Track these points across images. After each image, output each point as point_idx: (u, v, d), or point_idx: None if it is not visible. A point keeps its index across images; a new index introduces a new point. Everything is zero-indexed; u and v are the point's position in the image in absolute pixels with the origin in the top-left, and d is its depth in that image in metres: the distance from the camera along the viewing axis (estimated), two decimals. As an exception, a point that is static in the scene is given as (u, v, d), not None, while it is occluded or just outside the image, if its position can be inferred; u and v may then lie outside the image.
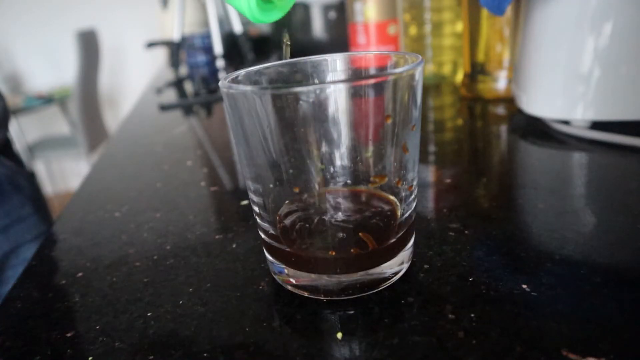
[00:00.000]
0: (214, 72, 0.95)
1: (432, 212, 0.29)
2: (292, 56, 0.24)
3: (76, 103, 1.95)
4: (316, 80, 0.25)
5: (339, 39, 0.93)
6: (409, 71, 0.19)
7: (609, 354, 0.17)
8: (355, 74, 0.24)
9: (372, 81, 0.18)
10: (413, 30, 0.64)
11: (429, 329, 0.19)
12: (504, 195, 0.31)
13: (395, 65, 0.23)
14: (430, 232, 0.26)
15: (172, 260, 0.27)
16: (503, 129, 0.45)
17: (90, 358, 0.20)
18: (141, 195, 0.37)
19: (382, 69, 0.24)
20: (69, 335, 0.21)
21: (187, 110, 0.68)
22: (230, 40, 0.97)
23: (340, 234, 0.21)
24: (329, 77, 0.25)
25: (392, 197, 0.23)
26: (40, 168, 2.30)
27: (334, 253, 0.21)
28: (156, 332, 0.21)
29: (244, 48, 0.89)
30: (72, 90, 1.99)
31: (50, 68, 2.44)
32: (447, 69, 0.65)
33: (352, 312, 0.20)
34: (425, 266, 0.23)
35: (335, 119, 0.19)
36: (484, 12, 0.51)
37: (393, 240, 0.21)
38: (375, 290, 0.21)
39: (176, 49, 0.93)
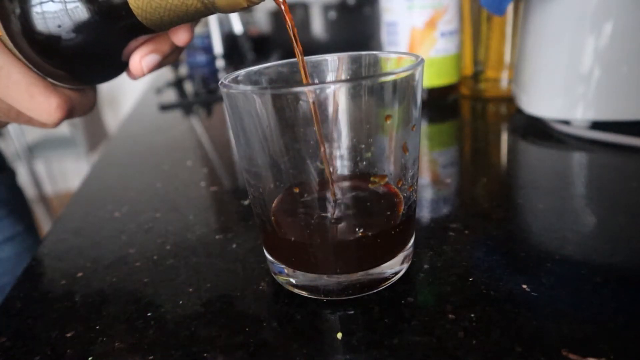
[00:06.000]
0: (214, 72, 0.95)
1: (432, 212, 0.29)
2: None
3: (76, 103, 1.94)
4: (316, 80, 0.25)
5: (339, 39, 0.93)
6: (409, 71, 0.19)
7: (609, 354, 0.17)
8: (355, 74, 0.24)
9: (372, 81, 0.18)
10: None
11: (429, 329, 0.19)
12: (504, 195, 0.31)
13: (395, 65, 0.23)
14: (430, 232, 0.26)
15: (172, 260, 0.27)
16: (503, 128, 0.45)
17: (90, 358, 0.20)
18: (141, 195, 0.37)
19: (382, 69, 0.24)
20: (69, 335, 0.21)
21: (187, 110, 0.68)
22: (230, 40, 0.97)
23: (340, 233, 0.21)
24: (329, 77, 0.25)
25: (392, 194, 0.23)
26: (40, 168, 2.30)
27: (334, 252, 0.21)
28: (156, 332, 0.21)
29: (244, 48, 0.89)
30: (72, 90, 1.98)
31: (50, 68, 2.43)
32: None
33: (352, 312, 0.20)
34: (425, 266, 0.23)
35: (335, 119, 0.19)
36: (485, 12, 0.51)
37: (393, 238, 0.21)
38: (375, 290, 0.21)
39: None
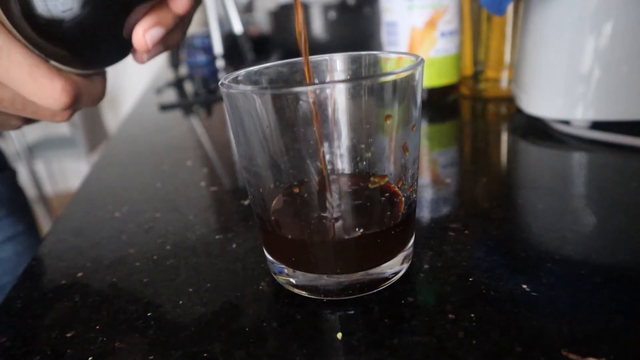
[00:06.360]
0: (214, 72, 0.95)
1: (432, 212, 0.29)
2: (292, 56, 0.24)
3: (76, 103, 1.94)
4: (316, 80, 0.25)
5: (339, 39, 0.93)
6: (409, 71, 0.19)
7: (609, 354, 0.17)
8: (355, 74, 0.24)
9: (372, 81, 0.18)
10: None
11: (429, 329, 0.19)
12: (504, 195, 0.31)
13: (395, 65, 0.23)
14: (430, 232, 0.26)
15: (172, 260, 0.27)
16: (503, 128, 0.45)
17: (90, 358, 0.20)
18: (141, 195, 0.37)
19: (382, 69, 0.24)
20: (69, 335, 0.21)
21: (187, 110, 0.68)
22: (230, 40, 0.97)
23: (340, 233, 0.21)
24: (329, 77, 0.25)
25: (393, 194, 0.23)
26: (40, 168, 2.30)
27: (334, 252, 0.21)
28: (156, 332, 0.21)
29: (244, 48, 0.89)
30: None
31: (50, 68, 2.43)
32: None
33: (352, 312, 0.20)
34: (425, 266, 0.23)
35: (335, 119, 0.19)
36: (485, 12, 0.51)
37: (393, 238, 0.21)
38: (375, 290, 0.21)
39: (176, 49, 0.93)
